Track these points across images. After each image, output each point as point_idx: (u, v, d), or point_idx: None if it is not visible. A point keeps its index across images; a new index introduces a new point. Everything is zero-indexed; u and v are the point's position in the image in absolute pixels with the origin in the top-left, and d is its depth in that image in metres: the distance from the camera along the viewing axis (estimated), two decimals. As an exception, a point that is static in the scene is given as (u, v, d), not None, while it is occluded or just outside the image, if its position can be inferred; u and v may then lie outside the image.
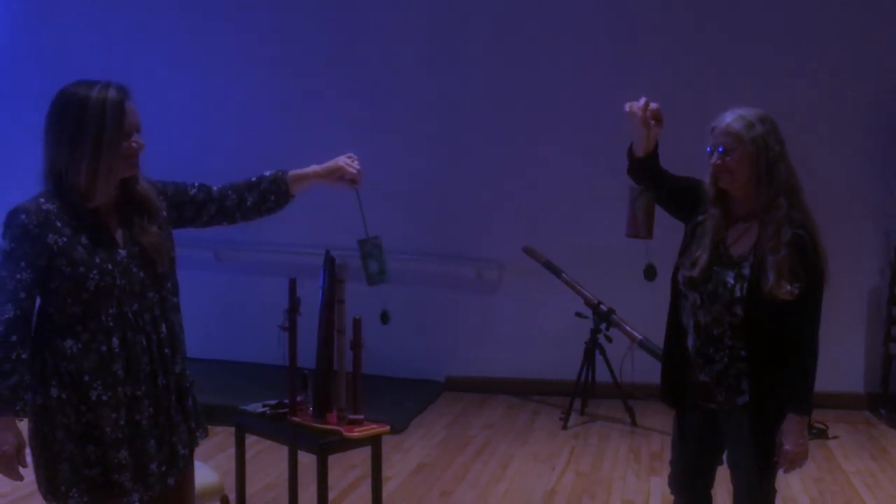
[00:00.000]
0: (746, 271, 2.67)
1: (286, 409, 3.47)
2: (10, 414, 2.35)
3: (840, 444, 5.48)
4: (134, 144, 2.43)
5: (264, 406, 3.53)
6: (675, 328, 2.85)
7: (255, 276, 6.78)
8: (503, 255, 6.53)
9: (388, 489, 4.49)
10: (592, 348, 5.85)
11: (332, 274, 3.36)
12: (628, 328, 5.70)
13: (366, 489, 4.54)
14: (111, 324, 2.41)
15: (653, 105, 2.71)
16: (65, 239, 2.36)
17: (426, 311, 6.69)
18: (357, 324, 3.37)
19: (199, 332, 6.53)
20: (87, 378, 2.40)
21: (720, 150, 2.67)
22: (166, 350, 2.52)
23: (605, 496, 4.60)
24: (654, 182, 2.82)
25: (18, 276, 2.34)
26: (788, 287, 2.60)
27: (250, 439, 3.65)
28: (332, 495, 4.05)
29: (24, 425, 2.43)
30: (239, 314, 6.77)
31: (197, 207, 2.66)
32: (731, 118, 2.68)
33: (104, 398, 2.41)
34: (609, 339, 5.82)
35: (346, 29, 6.74)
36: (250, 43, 6.81)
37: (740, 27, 6.29)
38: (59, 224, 2.36)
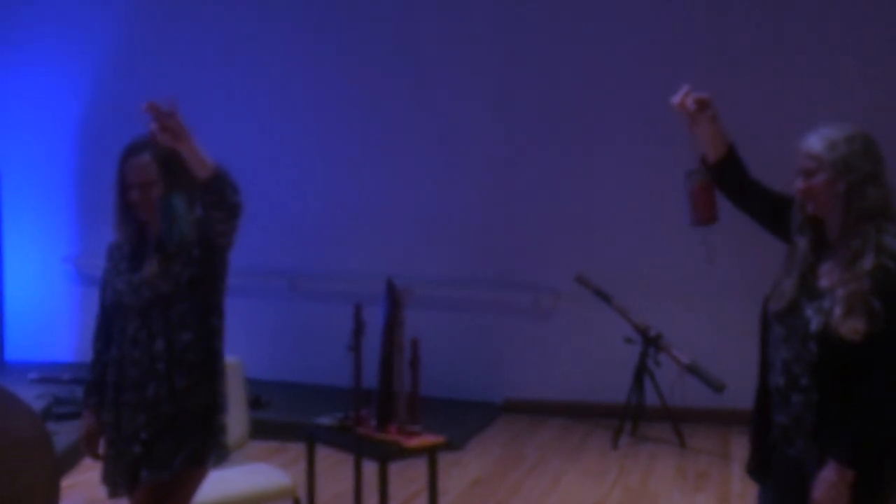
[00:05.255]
0: (827, 304, 2.39)
1: (352, 422, 3.85)
2: (86, 407, 2.98)
3: None
4: (133, 195, 2.81)
5: (333, 419, 3.91)
6: (762, 363, 2.60)
7: (326, 304, 7.07)
8: (559, 281, 6.78)
9: (445, 500, 4.83)
10: (641, 372, 6.09)
11: (394, 299, 3.74)
12: (675, 352, 5.93)
13: (424, 500, 4.87)
14: (116, 336, 2.88)
15: (695, 94, 2.51)
16: (110, 265, 2.95)
17: (485, 337, 7.02)
18: (415, 344, 3.74)
19: (272, 355, 6.97)
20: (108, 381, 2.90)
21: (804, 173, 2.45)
22: (159, 364, 2.79)
23: (650, 510, 4.88)
24: (739, 193, 2.61)
25: (101, 298, 2.98)
26: (854, 324, 2.32)
27: (321, 453, 4.02)
28: (392, 504, 4.40)
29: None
30: (310, 340, 7.09)
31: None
32: (813, 139, 2.43)
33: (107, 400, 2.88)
34: (658, 364, 6.06)
35: (402, 56, 7.05)
36: (307, 76, 7.22)
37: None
38: (115, 253, 2.95)
